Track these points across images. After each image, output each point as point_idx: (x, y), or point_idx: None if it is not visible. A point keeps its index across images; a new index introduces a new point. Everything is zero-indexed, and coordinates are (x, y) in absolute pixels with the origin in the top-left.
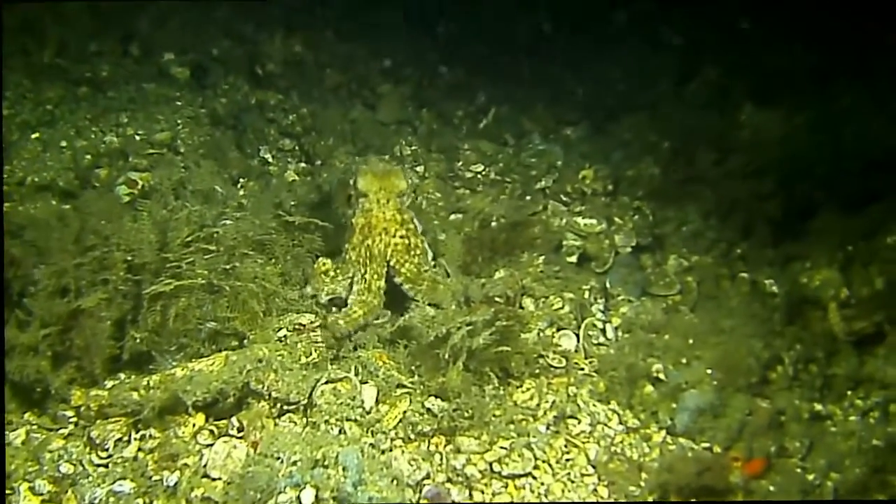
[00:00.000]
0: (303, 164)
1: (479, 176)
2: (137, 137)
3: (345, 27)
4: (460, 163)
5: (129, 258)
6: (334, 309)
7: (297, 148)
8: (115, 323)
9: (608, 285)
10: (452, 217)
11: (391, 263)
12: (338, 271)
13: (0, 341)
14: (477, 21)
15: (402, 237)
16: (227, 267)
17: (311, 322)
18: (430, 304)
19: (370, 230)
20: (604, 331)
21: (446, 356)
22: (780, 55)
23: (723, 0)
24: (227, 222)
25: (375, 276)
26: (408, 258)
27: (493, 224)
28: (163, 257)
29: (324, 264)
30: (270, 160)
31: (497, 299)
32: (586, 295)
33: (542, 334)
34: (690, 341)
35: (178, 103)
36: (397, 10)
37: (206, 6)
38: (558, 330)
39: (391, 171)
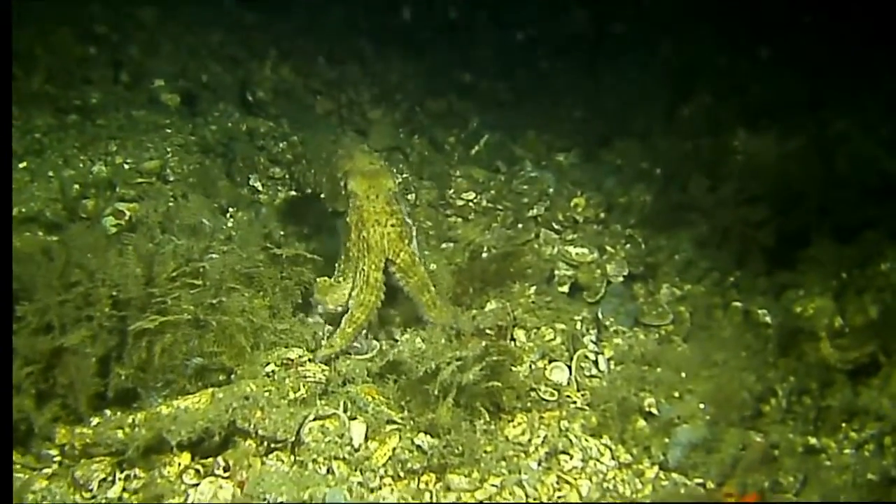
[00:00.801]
0: (293, 193)
1: (470, 204)
2: (126, 166)
3: (336, 53)
4: (452, 190)
5: (115, 293)
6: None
7: (286, 176)
8: (99, 359)
9: (600, 315)
10: (443, 246)
11: (388, 255)
12: (341, 279)
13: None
14: (468, 47)
15: (392, 226)
16: (214, 301)
17: (300, 357)
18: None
19: (363, 223)
20: (596, 363)
21: (436, 392)
22: (772, 80)
23: (715, 26)
24: (214, 256)
25: (374, 268)
26: (402, 246)
27: (485, 254)
28: (149, 292)
29: (325, 280)
30: (260, 188)
31: (488, 331)
32: (578, 326)
33: (533, 367)
34: (683, 375)
35: (168, 131)
36: (390, 35)
37: (197, 32)
38: (550, 362)
39: (379, 171)
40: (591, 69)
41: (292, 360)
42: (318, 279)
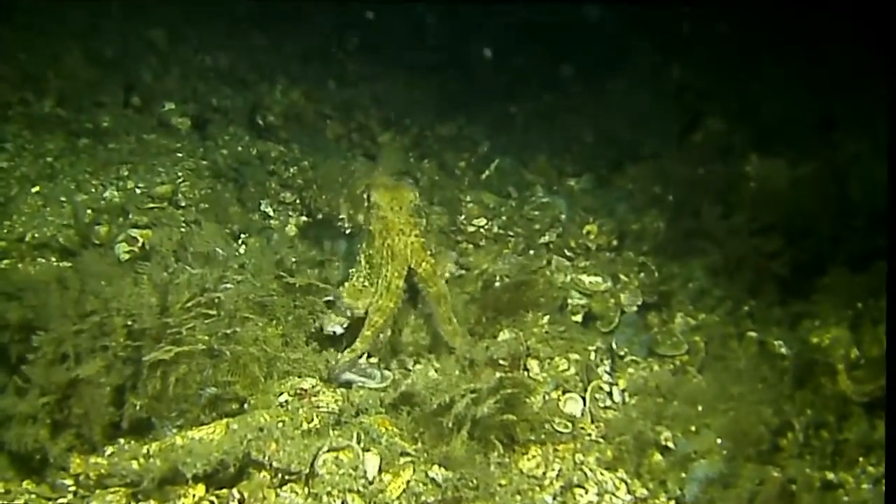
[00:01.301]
0: (304, 218)
1: (482, 230)
2: (138, 191)
3: (346, 76)
4: (463, 216)
5: (130, 323)
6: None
7: (297, 200)
8: (114, 389)
9: (614, 345)
10: (456, 273)
11: (411, 265)
12: (366, 283)
13: None
14: (478, 70)
15: (416, 236)
16: (228, 331)
17: (313, 387)
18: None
19: (388, 232)
20: (610, 394)
21: (450, 424)
22: (783, 103)
23: (726, 49)
24: (228, 286)
25: (396, 275)
26: (424, 257)
27: (497, 284)
28: (163, 322)
29: (354, 285)
30: (271, 213)
31: (501, 362)
32: (592, 356)
33: (547, 398)
34: (699, 408)
35: (179, 155)
36: (399, 59)
37: (206, 54)
38: (564, 393)
39: (400, 184)
40: (602, 92)
41: (305, 391)
42: (345, 283)
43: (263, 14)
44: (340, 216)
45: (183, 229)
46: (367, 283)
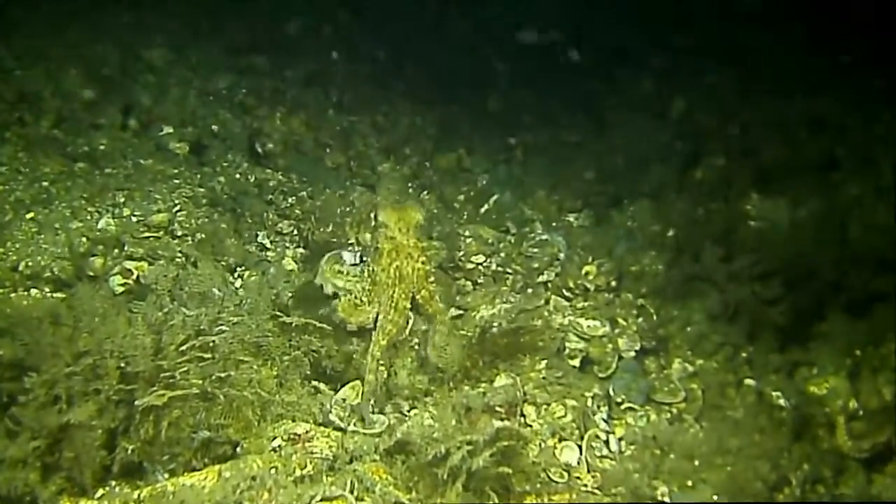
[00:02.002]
0: (301, 250)
1: (480, 267)
2: (134, 219)
3: (346, 104)
4: (461, 252)
5: (123, 365)
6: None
7: (295, 231)
8: (106, 431)
9: (612, 392)
10: (454, 313)
11: (417, 289)
12: (365, 300)
13: None
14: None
15: (423, 263)
16: (222, 375)
17: (307, 432)
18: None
19: (398, 254)
20: (607, 442)
21: (445, 475)
22: (784, 142)
23: (726, 86)
24: (224, 329)
25: (403, 297)
26: (424, 284)
27: (495, 328)
28: (157, 365)
29: (350, 300)
30: (268, 245)
31: (498, 409)
32: (589, 402)
33: (543, 445)
34: (696, 462)
35: (176, 181)
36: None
37: (206, 76)
38: (560, 441)
39: (406, 205)
40: (602, 126)
41: (299, 436)
42: (341, 298)
43: (264, 38)
44: (349, 241)
45: (179, 264)
46: (364, 300)
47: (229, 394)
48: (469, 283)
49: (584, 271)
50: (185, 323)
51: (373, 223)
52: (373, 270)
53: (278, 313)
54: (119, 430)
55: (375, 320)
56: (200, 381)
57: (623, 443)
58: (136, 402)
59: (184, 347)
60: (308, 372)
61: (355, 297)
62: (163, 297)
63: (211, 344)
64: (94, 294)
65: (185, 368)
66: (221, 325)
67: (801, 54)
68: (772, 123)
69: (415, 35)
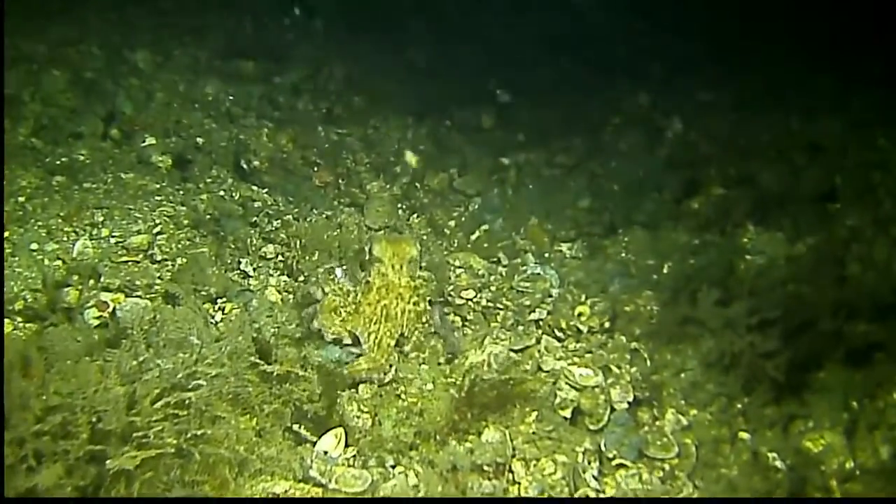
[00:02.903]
0: (285, 278)
1: (470, 303)
2: (112, 240)
3: (335, 114)
4: (451, 286)
5: (94, 420)
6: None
7: (279, 257)
8: (76, 489)
9: (603, 447)
10: (440, 360)
11: (404, 332)
12: (348, 316)
13: None
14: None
15: (415, 304)
16: (198, 433)
17: (286, 491)
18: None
19: (387, 292)
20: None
21: None
22: (782, 168)
23: (723, 113)
24: (201, 383)
25: (387, 335)
26: (417, 327)
27: (485, 379)
28: (130, 421)
29: (333, 301)
30: (251, 273)
31: (486, 468)
32: (580, 458)
33: None
34: None
35: (158, 198)
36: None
37: (191, 81)
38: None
39: (402, 238)
40: (596, 150)
41: (278, 496)
42: (325, 299)
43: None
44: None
45: (156, 299)
46: (345, 314)
47: (205, 451)
48: (458, 318)
49: (577, 312)
50: (160, 375)
51: (367, 256)
52: (358, 300)
53: (259, 361)
54: (89, 489)
55: (354, 340)
56: (175, 441)
57: None
58: (108, 464)
59: (158, 404)
60: (289, 423)
61: (339, 306)
62: (138, 343)
63: (187, 401)
64: (67, 333)
65: (159, 427)
66: (198, 378)
67: (799, 73)
68: (770, 147)
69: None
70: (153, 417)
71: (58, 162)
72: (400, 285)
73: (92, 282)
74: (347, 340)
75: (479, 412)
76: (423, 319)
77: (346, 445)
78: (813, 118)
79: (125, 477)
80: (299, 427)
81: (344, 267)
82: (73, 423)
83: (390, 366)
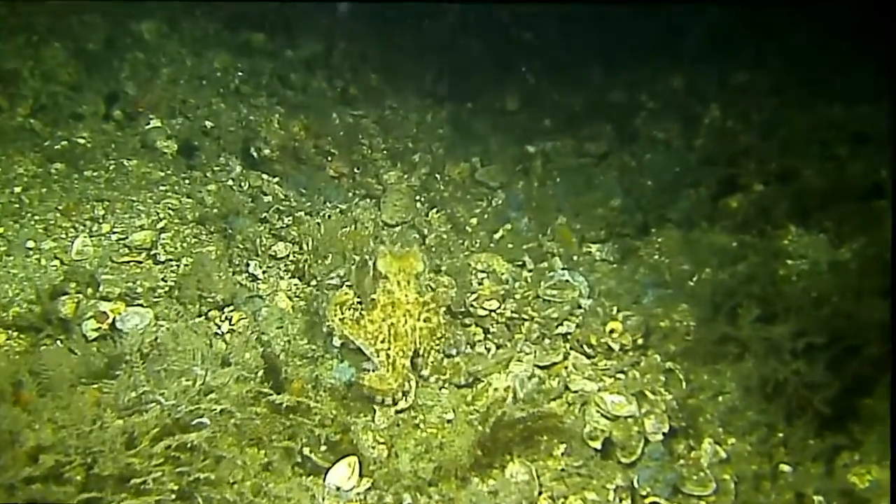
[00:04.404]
0: (296, 282)
1: (493, 314)
2: (114, 237)
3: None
4: (473, 295)
5: (89, 462)
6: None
7: (290, 256)
8: None
9: (635, 483)
10: (461, 382)
11: (419, 350)
12: (355, 322)
13: None
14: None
15: (426, 321)
16: (201, 476)
17: None
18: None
19: (393, 310)
20: None
21: None
22: (821, 166)
23: (762, 97)
24: (205, 422)
25: (401, 355)
26: (433, 345)
27: (511, 409)
28: (127, 464)
29: (345, 293)
30: (260, 276)
31: None
32: (611, 496)
33: None
34: None
35: (163, 188)
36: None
37: (199, 53)
38: None
39: (409, 252)
40: (628, 138)
41: None
42: (336, 293)
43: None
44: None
45: (158, 311)
46: (356, 324)
47: (208, 496)
48: (480, 329)
49: (608, 327)
50: (160, 414)
51: (371, 272)
52: (363, 317)
53: (267, 390)
54: None
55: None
56: (176, 486)
57: None
58: None
59: (158, 447)
60: (298, 458)
61: (348, 300)
62: (137, 373)
63: (188, 445)
64: (62, 351)
65: (159, 472)
66: (202, 415)
67: (842, 55)
68: (812, 138)
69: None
70: (153, 461)
71: (57, 147)
72: (407, 302)
73: (90, 290)
74: (355, 345)
75: (503, 446)
76: (439, 335)
77: (360, 476)
78: (857, 105)
79: None
80: (310, 452)
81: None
82: (67, 466)
83: (406, 390)
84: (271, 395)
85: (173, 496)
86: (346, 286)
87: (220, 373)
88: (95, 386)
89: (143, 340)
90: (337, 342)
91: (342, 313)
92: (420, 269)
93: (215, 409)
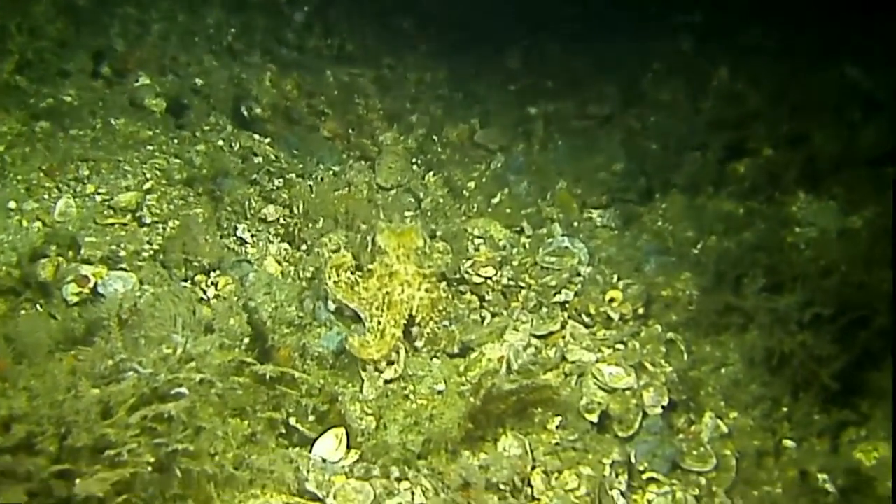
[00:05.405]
0: (286, 246)
1: (489, 281)
2: (98, 198)
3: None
4: (469, 262)
5: (62, 431)
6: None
7: (280, 220)
8: None
9: (633, 458)
10: (455, 360)
11: (416, 320)
12: (350, 288)
13: None
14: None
15: (426, 291)
16: (180, 447)
17: None
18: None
19: (390, 280)
20: None
21: None
22: (836, 132)
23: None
24: (184, 391)
25: (392, 324)
26: (432, 316)
27: (504, 380)
28: (102, 435)
29: (343, 257)
30: (248, 240)
31: (502, 486)
32: (607, 471)
33: None
34: None
35: (150, 147)
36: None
37: (192, 9)
38: None
39: (408, 227)
40: (633, 100)
41: None
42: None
43: None
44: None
45: (141, 275)
46: (354, 288)
47: (187, 468)
48: (475, 297)
49: (607, 296)
50: (137, 383)
51: (370, 247)
52: (358, 283)
53: (250, 360)
54: None
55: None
56: (153, 457)
57: None
58: (76, 490)
59: (135, 417)
60: (282, 429)
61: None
62: (114, 340)
63: (165, 416)
64: (42, 316)
65: (134, 444)
66: (181, 385)
67: (855, 14)
68: (823, 102)
69: None
70: (129, 432)
71: (43, 104)
72: (407, 273)
73: (71, 252)
74: (350, 309)
75: (496, 418)
76: (440, 307)
77: (348, 448)
78: (870, 68)
79: (96, 499)
80: (297, 423)
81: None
82: (40, 437)
83: (392, 360)
84: (255, 364)
85: (150, 468)
86: (344, 250)
87: (202, 340)
88: (73, 353)
89: (122, 306)
90: (332, 306)
91: (337, 276)
92: (420, 244)
93: (195, 379)
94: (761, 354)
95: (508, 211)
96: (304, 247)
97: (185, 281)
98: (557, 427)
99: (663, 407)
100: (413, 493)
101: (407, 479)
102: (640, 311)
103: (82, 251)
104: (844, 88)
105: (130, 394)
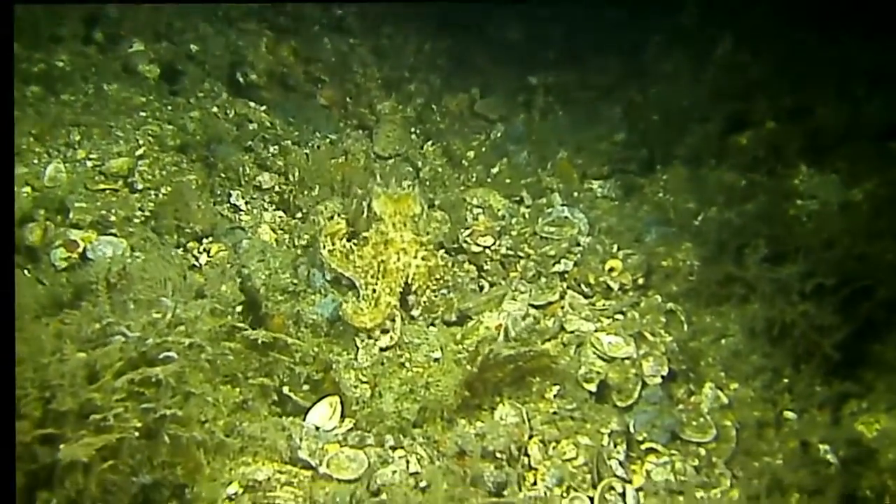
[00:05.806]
0: (280, 214)
1: (487, 251)
2: (89, 163)
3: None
4: (467, 231)
5: (47, 396)
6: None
7: (275, 188)
8: (23, 488)
9: (631, 428)
10: (452, 328)
11: (413, 288)
12: (344, 256)
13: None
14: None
15: (423, 259)
16: (168, 413)
17: (268, 479)
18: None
19: (385, 248)
20: (623, 495)
21: None
22: (841, 102)
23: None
24: (172, 356)
25: (387, 292)
26: (429, 284)
27: (502, 348)
28: (88, 399)
29: (337, 224)
30: (242, 207)
31: (498, 455)
32: (605, 441)
33: (548, 494)
34: None
35: (143, 113)
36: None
37: None
38: (568, 491)
39: (405, 194)
40: (635, 72)
41: (259, 483)
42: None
43: None
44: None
45: (131, 240)
46: (347, 255)
47: (175, 434)
48: (473, 266)
49: (607, 265)
50: (125, 347)
51: (365, 213)
52: (353, 252)
53: (242, 325)
54: (39, 482)
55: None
56: (140, 423)
57: (641, 496)
58: (60, 454)
59: (121, 381)
60: (275, 396)
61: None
62: (102, 303)
63: (154, 379)
64: (28, 282)
65: (120, 409)
66: (170, 349)
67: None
68: (828, 74)
69: None
70: (115, 396)
71: (34, 69)
72: (403, 241)
73: (60, 217)
74: (345, 277)
75: (492, 386)
76: (437, 275)
77: (342, 416)
78: (874, 40)
79: (81, 465)
80: (290, 391)
81: None
82: (23, 400)
83: (386, 328)
84: (246, 329)
85: (137, 434)
86: (339, 217)
87: (193, 305)
88: (60, 317)
89: (111, 269)
90: (328, 275)
91: (332, 244)
92: (417, 210)
93: (184, 343)
94: (762, 325)
95: (508, 181)
96: (299, 214)
97: (178, 247)
98: (555, 396)
99: (663, 377)
100: (408, 461)
101: (402, 447)
102: (640, 281)
103: (71, 216)
104: (849, 61)
105: (117, 357)
